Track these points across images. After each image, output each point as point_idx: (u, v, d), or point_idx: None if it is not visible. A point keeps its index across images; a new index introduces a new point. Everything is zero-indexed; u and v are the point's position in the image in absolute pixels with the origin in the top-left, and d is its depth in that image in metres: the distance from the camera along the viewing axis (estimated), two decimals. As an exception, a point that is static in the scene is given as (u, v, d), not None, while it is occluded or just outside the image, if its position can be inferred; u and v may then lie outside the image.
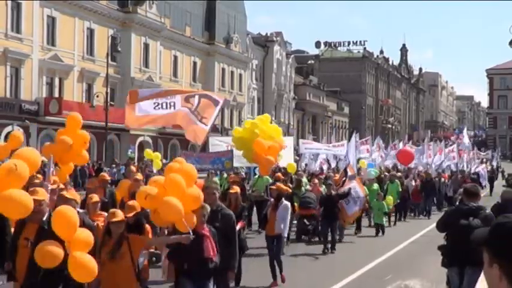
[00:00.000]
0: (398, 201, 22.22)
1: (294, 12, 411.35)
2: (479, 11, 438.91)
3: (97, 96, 39.49)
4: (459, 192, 20.39)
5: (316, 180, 19.17)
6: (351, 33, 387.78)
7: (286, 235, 11.48)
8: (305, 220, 16.52)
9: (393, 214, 22.05)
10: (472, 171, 37.82)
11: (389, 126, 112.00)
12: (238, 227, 9.59)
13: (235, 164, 19.09)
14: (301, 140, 29.83)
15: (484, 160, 52.26)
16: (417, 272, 12.25)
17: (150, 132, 47.56)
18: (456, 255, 7.58)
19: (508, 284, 1.95)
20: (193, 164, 17.53)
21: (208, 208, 7.41)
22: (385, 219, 19.87)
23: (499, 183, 37.30)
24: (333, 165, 30.88)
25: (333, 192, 16.05)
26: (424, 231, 19.26)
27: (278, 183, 13.13)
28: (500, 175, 50.30)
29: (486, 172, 40.60)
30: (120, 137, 44.45)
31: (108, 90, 37.83)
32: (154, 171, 16.33)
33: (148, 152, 20.75)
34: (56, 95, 39.32)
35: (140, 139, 46.10)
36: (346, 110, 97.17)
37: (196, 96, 12.42)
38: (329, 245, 15.37)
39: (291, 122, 74.41)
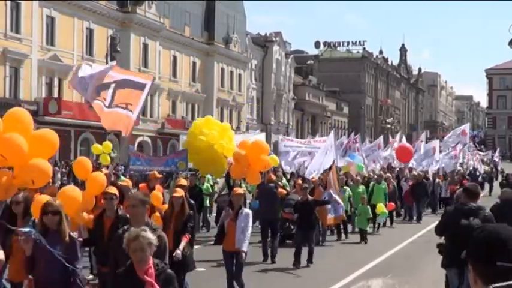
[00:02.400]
0: (387, 204, 20.20)
1: (293, 12, 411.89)
2: (478, 11, 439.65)
3: (96, 96, 39.49)
4: (458, 193, 20.32)
5: (300, 181, 17.81)
6: (350, 33, 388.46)
7: (246, 249, 9.50)
8: (289, 223, 15.47)
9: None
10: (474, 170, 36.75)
11: (389, 126, 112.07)
12: (182, 244, 8.56)
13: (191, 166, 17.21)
14: (280, 137, 27.61)
15: (486, 160, 52.11)
16: (416, 272, 12.25)
17: (150, 133, 47.59)
18: (456, 256, 7.55)
19: (483, 285, 2.08)
20: (143, 166, 15.97)
21: (151, 238, 4.80)
22: (369, 225, 18.37)
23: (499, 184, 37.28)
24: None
25: (310, 198, 14.19)
26: (423, 232, 19.25)
27: (238, 188, 11.15)
28: (500, 175, 50.22)
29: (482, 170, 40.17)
30: (119, 137, 44.44)
31: (108, 90, 37.82)
32: (104, 169, 14.09)
33: (97, 147, 18.71)
34: (55, 95, 39.32)
35: (140, 139, 46.10)
36: (346, 110, 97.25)
37: (111, 89, 10.99)
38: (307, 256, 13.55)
39: (290, 122, 74.45)
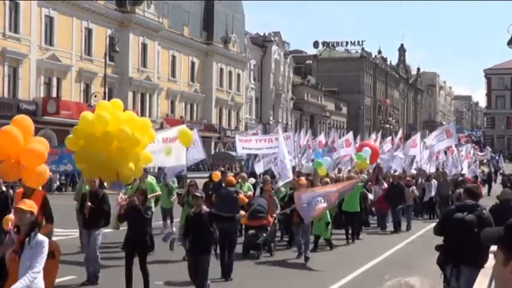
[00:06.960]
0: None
1: (292, 12, 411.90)
2: (478, 10, 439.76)
3: (95, 96, 39.42)
4: (456, 194, 20.16)
5: (269, 184, 15.65)
6: (348, 33, 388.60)
7: None
8: (256, 231, 13.71)
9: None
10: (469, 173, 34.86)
11: (388, 126, 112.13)
12: None
13: None
14: (237, 137, 22.69)
15: (485, 161, 51.75)
16: (415, 271, 12.23)
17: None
18: (451, 252, 7.57)
19: None
20: (59, 166, 12.86)
21: None
22: (329, 231, 15.63)
23: (498, 184, 37.28)
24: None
25: (204, 209, 9.95)
26: (421, 232, 19.25)
27: (24, 201, 7.80)
28: (499, 176, 49.99)
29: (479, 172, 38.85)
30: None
31: (106, 90, 37.81)
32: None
33: None
34: (54, 95, 39.29)
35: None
36: (344, 110, 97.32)
37: None
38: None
39: (289, 122, 74.45)
